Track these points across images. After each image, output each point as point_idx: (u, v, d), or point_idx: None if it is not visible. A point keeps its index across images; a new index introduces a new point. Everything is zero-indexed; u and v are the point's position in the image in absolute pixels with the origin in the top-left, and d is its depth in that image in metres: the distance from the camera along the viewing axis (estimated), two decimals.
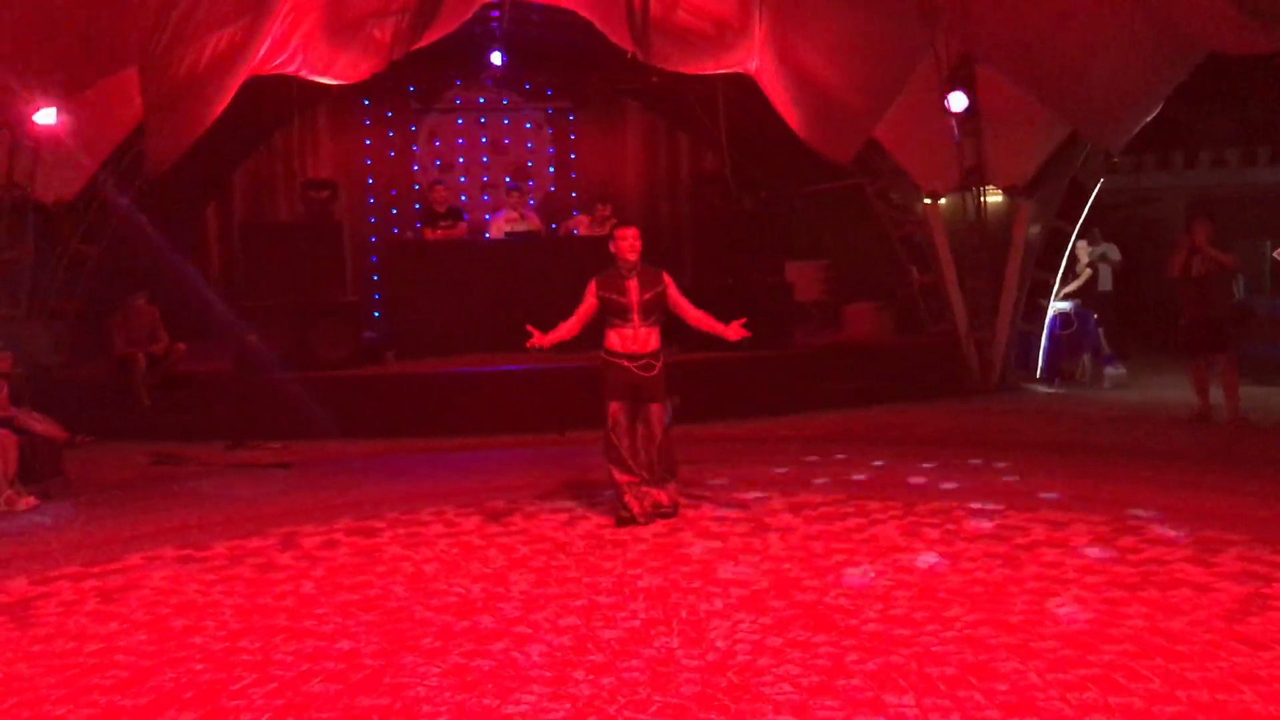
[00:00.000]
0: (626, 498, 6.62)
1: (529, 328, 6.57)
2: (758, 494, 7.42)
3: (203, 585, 5.64)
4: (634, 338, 6.56)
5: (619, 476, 6.67)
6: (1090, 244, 13.67)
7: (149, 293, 11.75)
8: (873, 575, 5.38)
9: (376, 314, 14.30)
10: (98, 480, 8.70)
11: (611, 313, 6.60)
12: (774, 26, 11.86)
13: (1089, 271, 13.35)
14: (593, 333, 6.75)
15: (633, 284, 6.56)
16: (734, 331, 6.64)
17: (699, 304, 6.90)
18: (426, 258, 12.63)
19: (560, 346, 6.73)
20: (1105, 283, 13.31)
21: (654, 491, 6.67)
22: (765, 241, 12.57)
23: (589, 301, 6.63)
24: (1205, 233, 9.80)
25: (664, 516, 6.62)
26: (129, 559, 6.19)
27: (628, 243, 6.59)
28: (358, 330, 11.74)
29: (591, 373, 6.90)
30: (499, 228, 13.08)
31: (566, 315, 6.73)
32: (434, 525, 6.84)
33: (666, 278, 6.69)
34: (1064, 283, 13.30)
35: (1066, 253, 13.19)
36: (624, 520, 6.57)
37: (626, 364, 6.56)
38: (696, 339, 11.56)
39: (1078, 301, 13.35)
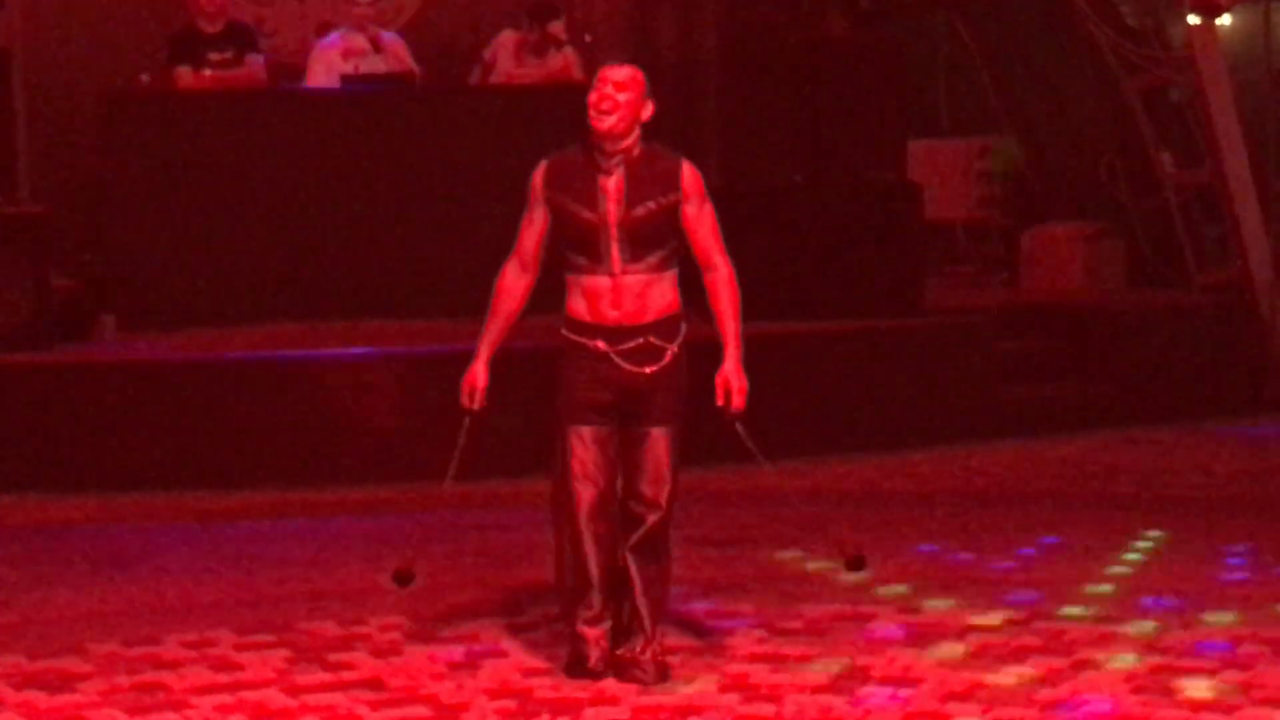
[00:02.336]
0: (582, 627, 6.47)
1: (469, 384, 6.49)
2: (846, 608, 7.48)
3: None
4: (613, 293, 6.41)
5: (567, 593, 6.57)
6: None
7: None
8: None
9: (78, 236, 14.20)
10: None
11: (572, 242, 6.46)
12: None
13: None
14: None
15: (613, 183, 6.41)
16: (727, 381, 6.44)
17: (739, 225, 6.75)
18: (183, 126, 12.82)
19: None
20: None
21: (625, 652, 6.50)
22: (869, 101, 12.52)
23: (538, 218, 6.51)
24: None
25: (637, 679, 6.40)
26: None
27: (603, 95, 6.36)
28: (42, 272, 11.71)
29: (542, 358, 6.78)
30: (329, 65, 13.06)
31: (476, 248, 6.63)
32: (191, 669, 6.75)
33: (688, 174, 6.47)
34: None
35: None
36: (580, 669, 6.46)
37: (603, 346, 6.44)
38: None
39: None
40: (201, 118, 12.67)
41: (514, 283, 6.51)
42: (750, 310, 6.45)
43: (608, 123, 6.31)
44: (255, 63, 12.99)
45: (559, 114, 6.72)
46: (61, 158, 13.90)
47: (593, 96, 6.36)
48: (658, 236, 6.38)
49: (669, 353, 6.41)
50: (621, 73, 6.40)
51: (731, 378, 6.35)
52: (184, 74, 12.71)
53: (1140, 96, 13.51)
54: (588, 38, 13.31)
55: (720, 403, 6.34)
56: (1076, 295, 13.21)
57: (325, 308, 11.99)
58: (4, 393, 10.90)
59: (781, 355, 11.14)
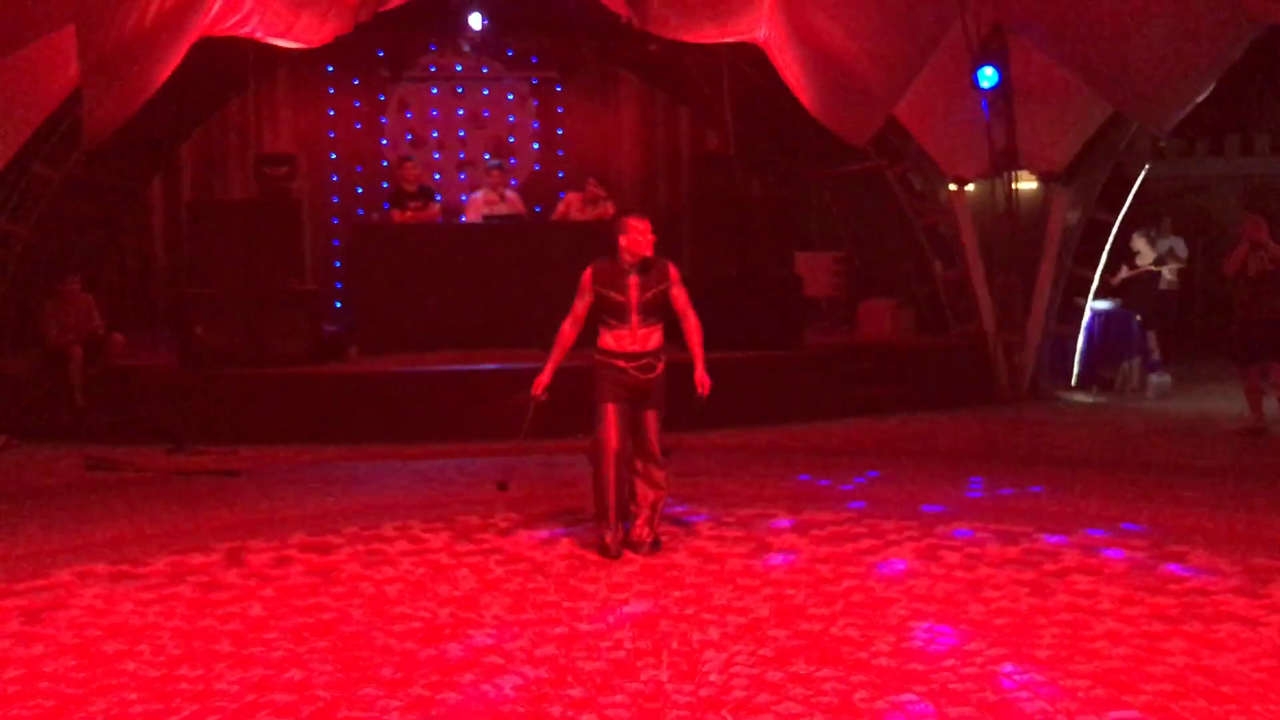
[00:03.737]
0: (605, 532, 6.48)
1: (533, 394, 6.53)
2: (761, 511, 7.42)
3: (138, 605, 5.62)
4: (632, 338, 6.41)
5: (600, 506, 6.52)
6: (1158, 236, 13.67)
7: (83, 277, 11.72)
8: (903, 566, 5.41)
9: (338, 304, 14.32)
10: (25, 487, 8.67)
11: (606, 311, 6.45)
12: None
13: (1163, 271, 13.31)
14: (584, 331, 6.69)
15: (634, 280, 6.39)
16: (700, 384, 6.48)
17: (698, 299, 6.77)
18: (394, 242, 12.64)
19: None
20: (1169, 281, 13.30)
21: (634, 526, 6.54)
22: (773, 229, 12.48)
23: (586, 298, 6.47)
24: (1261, 228, 9.84)
25: (638, 551, 6.42)
26: (57, 575, 6.16)
27: (643, 238, 6.39)
28: (317, 322, 11.72)
29: (580, 374, 6.75)
30: (476, 210, 13.06)
31: (554, 310, 6.64)
32: (398, 542, 6.82)
33: (673, 272, 6.53)
34: (1117, 274, 13.38)
35: (1108, 245, 13.20)
36: (603, 551, 6.44)
37: (623, 364, 6.40)
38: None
39: (1119, 300, 13.38)
40: (406, 238, 12.64)
41: (570, 332, 6.52)
42: (709, 344, 6.53)
43: (650, 251, 6.40)
44: (435, 207, 12.97)
45: (602, 237, 6.74)
46: (327, 259, 13.91)
47: (637, 239, 6.37)
48: (656, 308, 6.47)
49: (659, 367, 6.46)
50: (645, 222, 6.45)
51: (703, 377, 6.45)
52: (396, 213, 12.72)
53: (923, 229, 13.46)
54: None
55: (700, 391, 6.42)
56: (888, 338, 13.17)
57: (474, 343, 11.96)
58: (297, 389, 10.81)
59: (726, 370, 11.14)
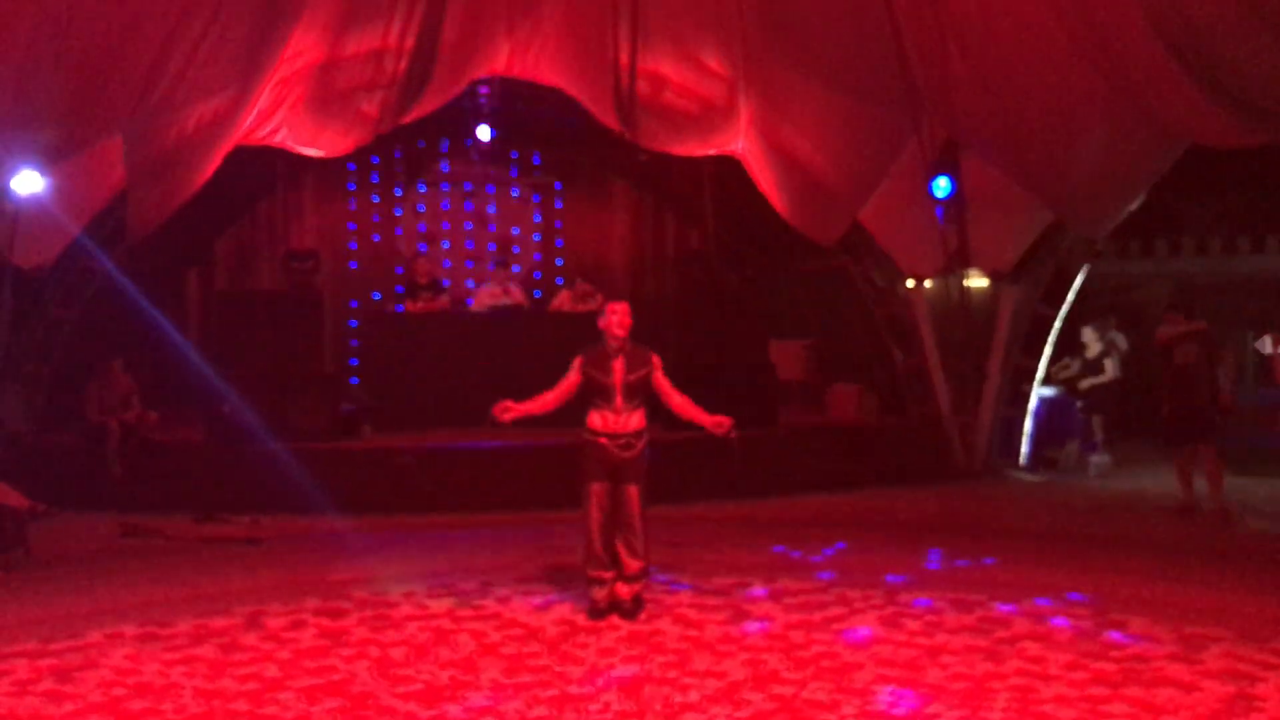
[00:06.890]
0: (593, 591, 6.49)
1: (502, 405, 6.50)
2: (738, 580, 7.33)
3: (163, 665, 5.55)
4: (615, 419, 6.41)
5: (588, 569, 6.52)
6: (1102, 331, 13.74)
7: (125, 359, 11.70)
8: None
9: (355, 384, 14.27)
10: (62, 552, 8.54)
11: (594, 392, 6.46)
12: (760, 109, 12.05)
13: (1105, 361, 13.32)
14: (572, 411, 6.67)
15: (618, 364, 6.42)
16: (718, 425, 6.48)
17: (682, 382, 6.77)
18: (406, 329, 12.60)
19: (532, 420, 6.59)
20: (1113, 370, 13.35)
21: (618, 586, 6.51)
22: (749, 320, 12.50)
23: (572, 377, 6.50)
24: (1179, 325, 9.91)
25: (623, 615, 6.38)
26: (89, 636, 6.08)
27: (616, 318, 6.45)
28: (335, 402, 11.62)
29: (571, 451, 6.78)
30: (482, 301, 13.09)
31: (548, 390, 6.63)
32: (403, 607, 6.71)
33: (655, 360, 6.55)
34: (1078, 369, 13.37)
35: (1051, 337, 13.25)
36: (595, 613, 6.42)
37: (605, 442, 6.41)
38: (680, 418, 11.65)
39: (1061, 388, 13.41)
40: (417, 325, 12.58)
41: (549, 399, 6.53)
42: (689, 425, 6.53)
43: (624, 332, 6.47)
44: (444, 298, 13.00)
45: (592, 326, 6.76)
46: (345, 345, 13.86)
47: (612, 320, 6.45)
48: (640, 391, 6.51)
49: (638, 447, 6.47)
50: (622, 305, 6.57)
51: (720, 422, 6.50)
52: (409, 303, 12.74)
53: (884, 321, 13.51)
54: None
55: (724, 433, 6.48)
56: (854, 419, 13.13)
57: (478, 421, 11.87)
58: (314, 462, 10.67)
59: (706, 447, 11.06)
